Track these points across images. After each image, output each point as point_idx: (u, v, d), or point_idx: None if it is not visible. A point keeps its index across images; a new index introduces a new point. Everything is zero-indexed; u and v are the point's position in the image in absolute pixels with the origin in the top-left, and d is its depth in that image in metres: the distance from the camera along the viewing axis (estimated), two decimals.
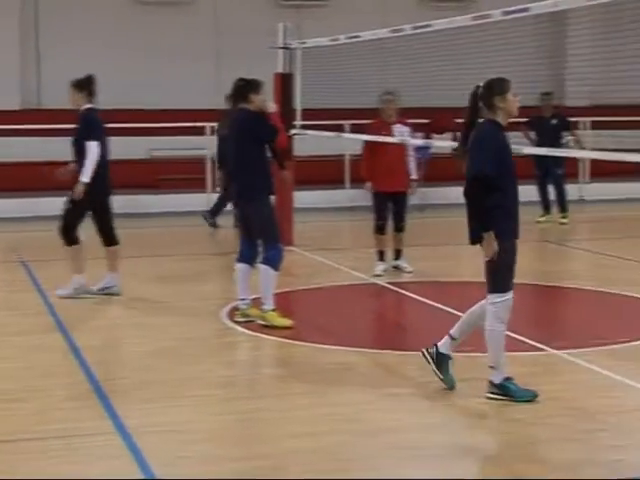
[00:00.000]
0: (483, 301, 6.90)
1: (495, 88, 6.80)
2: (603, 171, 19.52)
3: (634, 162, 11.45)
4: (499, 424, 6.40)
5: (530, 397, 6.71)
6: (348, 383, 7.29)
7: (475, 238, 6.79)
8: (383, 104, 11.73)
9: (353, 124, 17.55)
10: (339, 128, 17.04)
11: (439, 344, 7.04)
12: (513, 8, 8.87)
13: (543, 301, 10.73)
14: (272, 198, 9.21)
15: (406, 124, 11.85)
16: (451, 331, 7.05)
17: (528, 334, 8.47)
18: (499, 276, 6.76)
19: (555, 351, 8.03)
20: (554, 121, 16.48)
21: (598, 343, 8.26)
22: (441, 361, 6.98)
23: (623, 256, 12.59)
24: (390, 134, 11.60)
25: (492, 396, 6.75)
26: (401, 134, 11.67)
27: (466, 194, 6.67)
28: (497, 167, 6.57)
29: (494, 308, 6.74)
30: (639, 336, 8.51)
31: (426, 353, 7.08)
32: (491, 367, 6.80)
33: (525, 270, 11.95)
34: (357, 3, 21.46)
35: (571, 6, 8.60)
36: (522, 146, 10.44)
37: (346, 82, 15.22)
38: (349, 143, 17.51)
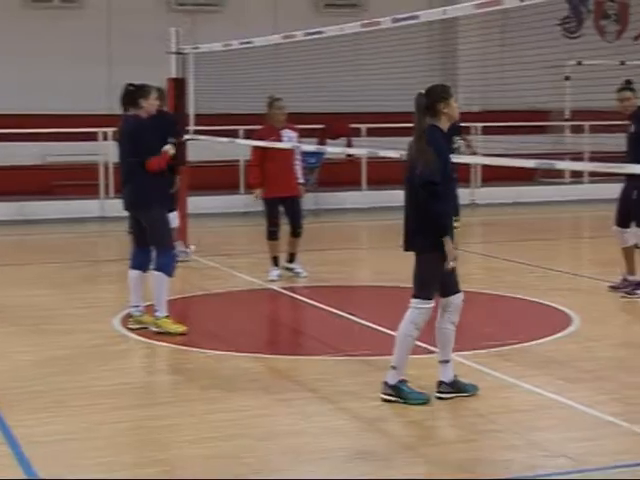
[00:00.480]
0: (441, 313, 6.97)
1: (440, 93, 6.84)
2: (494, 175, 19.87)
3: (524, 167, 11.71)
4: (394, 427, 6.45)
5: (422, 400, 6.78)
6: (242, 388, 7.27)
7: (413, 245, 6.82)
8: (273, 109, 11.72)
9: (247, 129, 17.54)
10: (233, 133, 17.01)
11: (447, 380, 6.98)
12: (403, 15, 8.95)
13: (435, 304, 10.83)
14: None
15: (294, 129, 11.88)
16: (439, 357, 7.04)
17: (420, 337, 8.54)
18: (427, 283, 6.81)
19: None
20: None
21: (489, 345, 8.40)
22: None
23: (513, 259, 12.83)
24: (279, 139, 11.62)
25: (386, 397, 6.80)
26: (290, 139, 11.71)
27: (417, 200, 6.71)
28: (442, 174, 6.66)
29: (415, 313, 6.79)
30: (528, 338, 8.66)
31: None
32: (392, 367, 6.84)
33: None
34: (251, 9, 21.46)
35: (460, 14, 8.73)
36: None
37: (240, 87, 15.22)
38: (243, 148, 17.48)
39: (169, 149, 9.08)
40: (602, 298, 10.57)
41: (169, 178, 10.02)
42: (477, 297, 10.12)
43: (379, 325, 9.09)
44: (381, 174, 19.23)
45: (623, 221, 10.63)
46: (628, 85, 10.80)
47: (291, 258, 11.92)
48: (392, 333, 8.70)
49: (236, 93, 15.19)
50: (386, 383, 6.84)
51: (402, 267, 12.79)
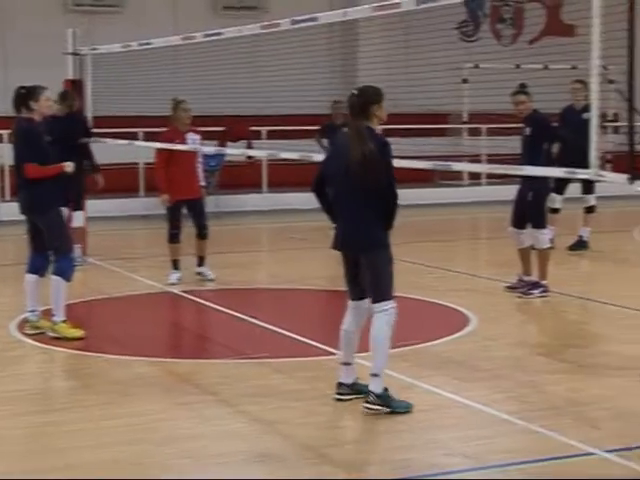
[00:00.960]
0: (349, 316, 6.93)
1: (373, 96, 6.84)
2: (401, 177, 19.99)
3: (422, 169, 11.83)
4: (293, 428, 6.45)
5: (407, 407, 6.71)
6: (142, 393, 7.22)
7: (366, 245, 6.79)
8: (178, 112, 11.65)
9: (147, 132, 17.40)
10: (132, 136, 16.86)
11: (347, 382, 6.95)
12: (302, 17, 9.00)
13: (334, 306, 10.87)
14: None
15: (197, 132, 11.83)
16: (343, 360, 6.99)
17: (319, 339, 8.60)
18: (389, 283, 6.81)
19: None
20: (345, 129, 16.77)
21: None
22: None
23: (412, 260, 12.95)
24: (184, 142, 11.56)
25: (371, 407, 6.64)
26: (194, 142, 11.66)
27: (369, 199, 6.72)
28: None
29: (387, 315, 6.75)
30: (426, 338, 8.76)
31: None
32: (373, 375, 6.72)
33: (318, 275, 12.19)
34: (150, 10, 21.28)
35: (359, 16, 8.79)
36: (313, 153, 10.56)
37: (140, 89, 15.09)
38: (143, 151, 17.35)
39: (68, 167, 8.97)
40: (499, 298, 10.73)
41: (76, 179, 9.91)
42: None
43: (279, 327, 9.11)
44: (282, 176, 19.26)
45: (519, 222, 10.81)
46: (522, 89, 11.01)
47: (200, 262, 11.84)
48: (293, 335, 8.83)
49: (135, 95, 15.06)
50: (372, 392, 6.68)
51: (301, 269, 13.00)
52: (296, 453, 5.99)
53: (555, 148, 11.44)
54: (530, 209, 10.67)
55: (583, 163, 7.43)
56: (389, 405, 6.64)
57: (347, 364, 6.97)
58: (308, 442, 6.20)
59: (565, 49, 15.17)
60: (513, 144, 12.29)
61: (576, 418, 6.54)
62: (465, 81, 21.61)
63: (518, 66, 20.60)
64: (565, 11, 23.35)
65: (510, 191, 11.30)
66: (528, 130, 10.75)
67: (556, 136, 11.33)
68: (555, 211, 14.00)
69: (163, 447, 6.06)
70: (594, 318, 10.24)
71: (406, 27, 19.10)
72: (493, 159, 16.80)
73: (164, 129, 12.02)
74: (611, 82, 18.86)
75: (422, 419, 6.60)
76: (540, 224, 10.74)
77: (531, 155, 10.46)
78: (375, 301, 6.79)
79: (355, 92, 6.87)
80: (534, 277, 10.82)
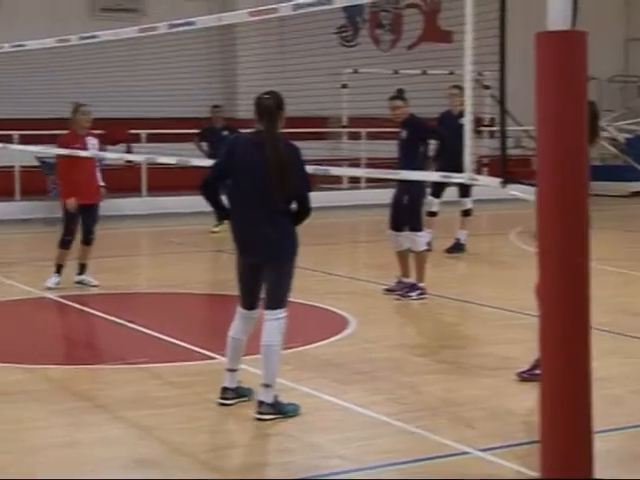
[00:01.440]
0: (240, 324, 6.82)
1: (281, 100, 6.70)
2: None
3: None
4: (170, 434, 6.40)
5: (295, 410, 6.68)
6: (15, 400, 7.08)
7: (279, 253, 6.74)
8: (78, 115, 11.40)
9: (22, 134, 17.10)
10: (7, 138, 16.53)
11: (231, 386, 6.88)
12: (179, 21, 8.95)
13: (215, 310, 10.86)
14: None
15: (94, 136, 11.64)
16: (229, 366, 6.90)
17: (200, 343, 8.56)
18: (288, 291, 6.79)
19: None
20: (225, 132, 16.76)
21: None
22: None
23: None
24: (84, 147, 11.35)
25: (265, 417, 6.54)
26: (93, 146, 11.49)
27: (308, 210, 6.75)
28: None
29: (281, 323, 6.71)
30: (306, 341, 8.78)
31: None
32: (266, 385, 6.61)
33: (198, 279, 12.15)
34: (25, 11, 20.92)
35: (235, 21, 8.79)
36: (192, 158, 10.51)
37: (15, 92, 14.84)
38: (18, 155, 17.05)
39: None
40: (378, 301, 10.84)
41: None
42: None
43: (159, 332, 9.04)
44: (161, 180, 19.12)
45: (397, 225, 10.94)
46: (399, 94, 11.13)
47: (81, 270, 11.62)
48: (172, 340, 8.76)
49: (10, 98, 14.81)
50: (264, 402, 6.59)
51: (181, 273, 12.92)
52: (174, 459, 5.95)
53: (433, 151, 11.57)
54: (406, 212, 10.80)
55: (459, 167, 7.56)
56: (281, 412, 6.61)
57: (232, 370, 6.90)
58: (187, 448, 6.15)
59: (442, 55, 15.43)
60: (392, 148, 12.44)
61: (452, 418, 6.63)
62: (344, 86, 21.77)
63: (397, 71, 20.87)
64: (442, 17, 23.72)
65: (389, 194, 11.42)
66: (405, 134, 10.89)
67: (434, 132, 11.47)
68: (432, 214, 14.21)
69: (37, 455, 5.95)
70: (470, 320, 10.41)
71: (285, 32, 19.20)
72: (372, 163, 17.00)
73: (39, 132, 11.82)
74: (486, 88, 19.26)
75: (300, 422, 6.60)
76: (416, 227, 10.88)
77: (407, 158, 10.62)
78: (271, 308, 6.70)
79: (267, 95, 6.67)
80: (412, 279, 10.96)
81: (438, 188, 14.04)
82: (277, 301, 6.71)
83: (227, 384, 6.88)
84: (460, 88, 13.87)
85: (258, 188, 6.58)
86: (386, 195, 12.55)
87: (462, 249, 14.26)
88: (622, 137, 24.92)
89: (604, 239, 14.80)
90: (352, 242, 17.52)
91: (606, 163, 24.49)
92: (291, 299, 10.40)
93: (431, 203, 14.21)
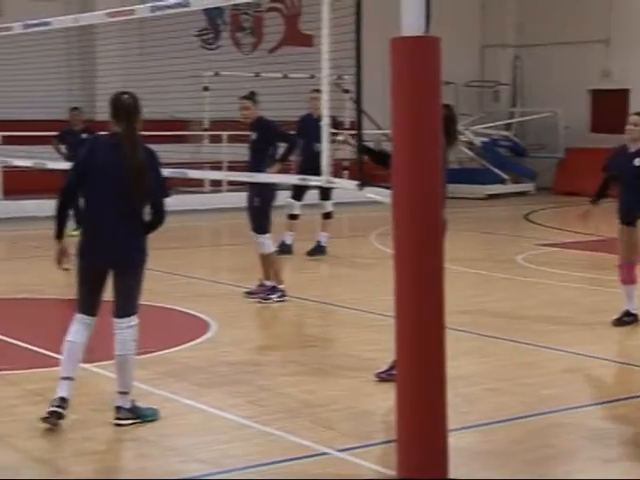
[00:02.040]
0: (81, 330, 6.57)
1: (139, 104, 6.49)
2: None
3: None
4: (24, 441, 6.26)
5: (154, 414, 6.61)
6: None
7: (134, 260, 6.57)
8: None
9: None
10: None
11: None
12: (34, 22, 8.80)
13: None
14: None
15: None
16: (64, 375, 6.58)
17: (58, 349, 8.40)
18: (138, 298, 6.62)
19: (85, 365, 8.00)
20: (84, 135, 16.52)
21: None
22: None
23: (153, 267, 12.84)
24: None
25: (123, 422, 6.45)
26: None
27: (163, 215, 6.55)
28: None
29: (134, 330, 6.54)
30: (165, 345, 8.72)
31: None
32: (123, 393, 6.51)
33: (58, 284, 11.93)
34: None
35: (93, 22, 8.69)
36: (49, 161, 10.34)
37: None
38: None
39: None
40: (239, 304, 10.82)
41: None
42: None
43: (15, 339, 8.85)
44: (18, 183, 18.72)
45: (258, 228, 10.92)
46: (250, 95, 11.06)
47: None
48: (29, 347, 8.58)
49: None
50: (122, 407, 6.49)
51: (39, 279, 12.65)
52: (30, 465, 5.84)
53: (294, 155, 11.62)
54: (254, 214, 10.82)
55: (318, 170, 7.62)
56: (139, 416, 6.54)
57: (70, 379, 6.56)
58: (43, 454, 6.05)
59: (303, 58, 15.50)
60: None
61: (311, 420, 6.67)
62: (206, 89, 21.68)
63: (258, 74, 20.87)
64: (302, 21, 23.86)
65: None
66: (254, 136, 10.89)
67: (284, 135, 11.49)
68: (294, 217, 14.29)
69: None
70: (331, 322, 10.50)
71: (145, 34, 19.04)
72: (234, 166, 16.97)
73: None
74: (346, 91, 19.43)
75: (160, 427, 6.55)
76: (261, 229, 10.83)
77: (257, 160, 10.67)
78: (123, 316, 6.54)
79: (126, 95, 6.51)
80: (274, 282, 10.97)
81: (299, 191, 14.12)
82: (129, 308, 6.57)
83: (64, 394, 6.51)
84: (320, 92, 13.98)
85: (114, 191, 6.42)
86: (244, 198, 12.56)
87: (323, 251, 14.35)
88: (479, 141, 25.45)
89: (461, 241, 15.13)
90: (214, 245, 17.47)
91: (463, 166, 24.99)
92: (152, 303, 10.37)
93: (292, 206, 14.29)
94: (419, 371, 5.38)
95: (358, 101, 5.87)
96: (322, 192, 14.26)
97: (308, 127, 13.73)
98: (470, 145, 25.12)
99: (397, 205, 5.38)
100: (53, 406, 6.43)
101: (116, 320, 6.55)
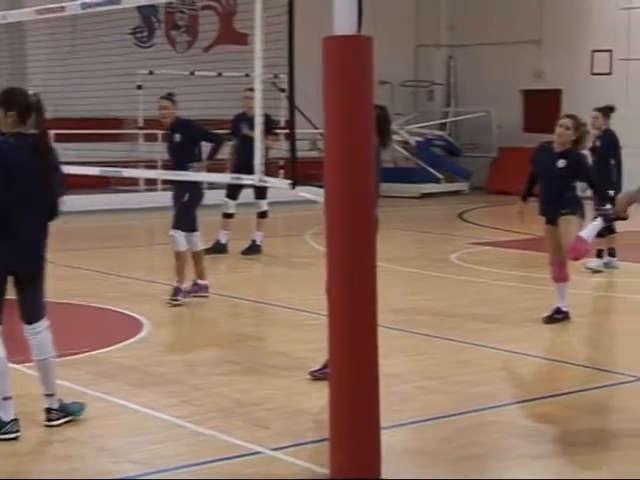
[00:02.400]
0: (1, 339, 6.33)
1: None
2: (68, 183, 19.63)
3: (94, 175, 11.68)
4: None
5: (81, 408, 6.57)
6: None
7: (41, 265, 6.42)
8: None
9: None
10: None
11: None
12: None
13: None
14: None
15: None
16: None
17: None
18: (44, 299, 6.48)
19: (14, 365, 7.91)
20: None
21: (59, 354, 8.27)
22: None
23: (88, 267, 12.78)
24: None
25: (55, 423, 6.39)
26: None
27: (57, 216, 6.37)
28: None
29: (49, 333, 6.44)
30: (99, 345, 8.66)
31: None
32: (49, 395, 6.44)
33: None
34: None
35: (21, 19, 8.59)
36: None
37: None
38: None
39: None
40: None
41: None
42: (50, 307, 9.96)
43: None
44: None
45: (188, 226, 10.81)
46: (169, 96, 10.93)
47: None
48: None
49: None
50: (51, 409, 6.42)
51: None
52: None
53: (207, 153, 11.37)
54: (178, 211, 10.71)
55: (252, 169, 7.60)
56: (68, 413, 6.50)
57: (8, 398, 6.29)
58: None
59: (238, 57, 15.48)
60: None
61: (244, 419, 6.66)
62: (140, 87, 21.54)
63: (193, 73, 20.79)
64: (237, 20, 23.82)
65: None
66: (178, 137, 10.70)
67: (209, 134, 11.38)
68: (229, 216, 14.25)
69: None
70: (265, 320, 10.49)
71: (77, 31, 18.87)
72: (169, 165, 16.87)
73: None
74: (282, 90, 19.41)
75: (92, 427, 6.51)
76: (179, 225, 10.69)
77: (181, 160, 10.65)
78: (35, 321, 6.39)
79: (32, 92, 6.31)
80: (205, 281, 10.94)
81: (234, 190, 14.09)
82: (42, 311, 6.47)
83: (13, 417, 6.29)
84: (254, 91, 13.97)
85: (32, 193, 6.21)
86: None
87: (258, 251, 14.33)
88: (413, 140, 25.59)
89: (396, 240, 15.21)
90: (148, 244, 17.35)
91: (398, 165, 25.12)
92: (86, 303, 10.32)
93: (227, 205, 14.25)
94: (352, 370, 5.40)
95: (291, 100, 5.87)
96: (257, 191, 14.23)
97: (242, 126, 13.73)
98: (405, 144, 25.25)
99: (329, 204, 5.40)
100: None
101: (30, 326, 6.41)
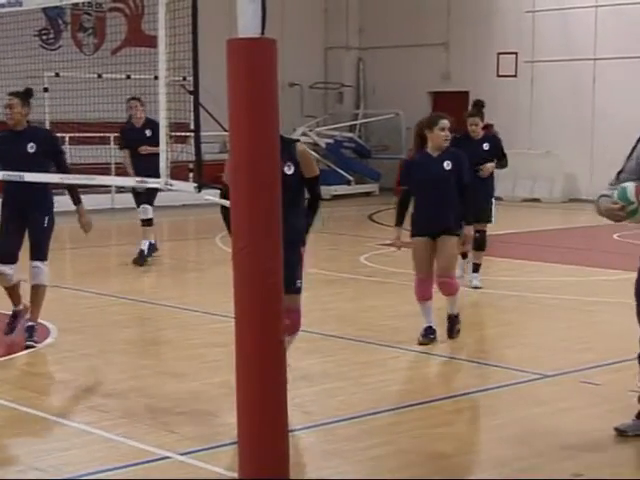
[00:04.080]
0: None
1: None
2: None
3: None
4: None
5: None
6: None
7: None
8: None
9: None
10: None
11: None
12: None
13: None
14: None
15: None
16: None
17: None
18: None
19: None
20: None
21: None
22: None
23: None
24: None
25: None
26: None
27: None
28: None
29: None
30: (6, 353, 8.50)
31: None
32: None
33: None
34: None
35: None
36: None
37: None
38: None
39: None
40: (80, 308, 10.65)
41: None
42: None
43: None
44: None
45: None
46: (18, 93, 9.96)
47: None
48: None
49: None
50: None
51: None
52: None
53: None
54: (43, 237, 9.05)
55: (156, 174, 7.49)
56: None
57: None
58: None
59: (147, 59, 15.35)
60: (96, 153, 12.27)
61: (152, 424, 6.60)
62: (46, 89, 21.25)
63: (100, 75, 20.57)
64: (146, 21, 23.61)
65: (96, 200, 11.23)
66: (34, 147, 9.00)
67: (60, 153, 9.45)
68: (149, 222, 13.76)
69: None
70: (174, 324, 10.36)
71: None
72: (76, 168, 16.66)
73: None
74: (192, 93, 19.29)
75: None
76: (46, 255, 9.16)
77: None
78: None
79: None
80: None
81: (151, 195, 13.60)
82: None
83: None
84: (139, 100, 13.91)
85: None
86: (93, 201, 12.37)
87: (146, 260, 13.59)
88: (323, 142, 25.66)
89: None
90: (56, 249, 17.06)
91: None
92: None
93: (146, 211, 13.68)
94: (260, 373, 5.37)
95: (196, 102, 5.85)
96: (143, 196, 13.64)
97: (130, 138, 13.61)
98: (315, 146, 25.29)
99: (236, 206, 5.37)
100: None
101: None
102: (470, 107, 12.34)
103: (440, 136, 8.90)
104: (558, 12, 24.20)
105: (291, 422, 5.55)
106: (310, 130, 25.01)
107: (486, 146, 11.78)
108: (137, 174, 12.40)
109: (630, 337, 6.54)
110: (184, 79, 18.98)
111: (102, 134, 19.92)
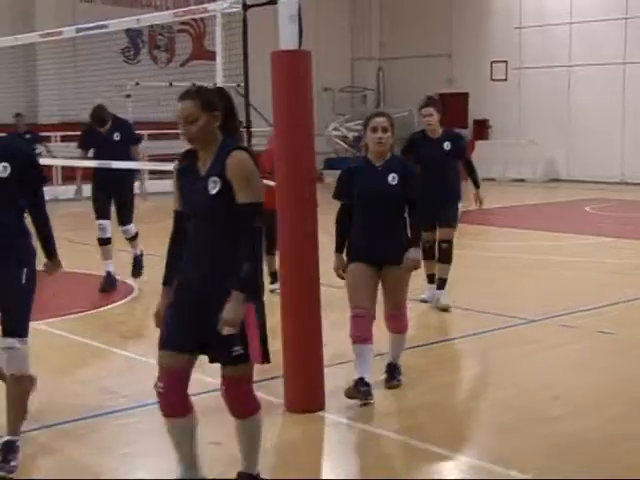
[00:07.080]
0: None
1: None
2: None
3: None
4: None
5: None
6: None
7: None
8: None
9: None
10: None
11: None
12: None
13: None
14: None
15: None
16: None
17: None
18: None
19: None
20: (28, 136, 16.19)
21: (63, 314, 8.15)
22: None
23: None
24: None
25: None
26: None
27: None
28: None
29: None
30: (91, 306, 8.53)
31: None
32: None
33: None
34: None
35: (28, 41, 8.42)
36: None
37: None
38: None
39: None
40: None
41: None
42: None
43: None
44: None
45: None
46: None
47: None
48: None
49: None
50: None
51: None
52: None
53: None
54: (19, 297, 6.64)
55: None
56: None
57: None
58: None
59: (208, 69, 15.31)
60: (170, 145, 11.99)
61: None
62: (129, 96, 21.29)
63: (171, 84, 20.56)
64: (207, 39, 23.61)
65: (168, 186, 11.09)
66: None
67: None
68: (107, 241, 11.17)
69: None
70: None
71: (78, 50, 18.58)
72: (153, 158, 16.70)
73: None
74: (243, 96, 19.24)
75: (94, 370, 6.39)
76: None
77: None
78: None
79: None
80: None
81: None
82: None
83: None
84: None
85: None
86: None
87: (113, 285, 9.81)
88: (351, 135, 25.53)
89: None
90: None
91: (339, 155, 25.09)
92: None
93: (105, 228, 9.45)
94: (299, 315, 5.36)
95: (247, 103, 5.84)
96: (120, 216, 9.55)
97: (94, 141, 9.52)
98: (344, 138, 25.20)
99: (281, 190, 5.37)
100: None
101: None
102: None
103: (372, 138, 5.70)
104: (540, 28, 23.99)
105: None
106: (340, 125, 24.87)
107: (447, 145, 8.17)
108: None
109: (599, 289, 6.47)
110: (238, 85, 19.16)
111: (174, 131, 19.92)
